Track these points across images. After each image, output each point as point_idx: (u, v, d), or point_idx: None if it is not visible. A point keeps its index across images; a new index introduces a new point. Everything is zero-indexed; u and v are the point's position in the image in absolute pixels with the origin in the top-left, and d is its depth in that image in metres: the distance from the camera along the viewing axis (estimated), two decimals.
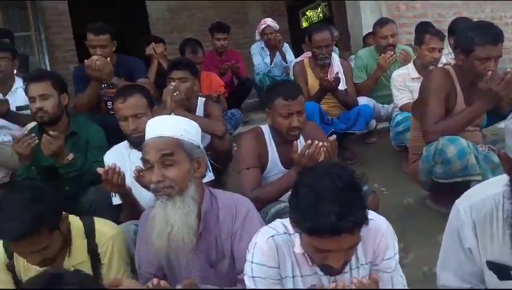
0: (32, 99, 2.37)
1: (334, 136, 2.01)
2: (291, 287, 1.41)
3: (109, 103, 3.18)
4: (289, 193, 2.03)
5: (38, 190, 1.53)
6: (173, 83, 2.73)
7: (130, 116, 2.18)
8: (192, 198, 1.56)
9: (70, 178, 2.27)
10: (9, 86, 3.08)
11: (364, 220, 1.19)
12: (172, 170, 1.53)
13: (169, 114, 2.38)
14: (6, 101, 2.87)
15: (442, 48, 3.26)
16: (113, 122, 2.79)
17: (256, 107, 4.64)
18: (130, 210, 2.08)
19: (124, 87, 2.38)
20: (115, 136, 2.59)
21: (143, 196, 2.07)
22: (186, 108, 2.72)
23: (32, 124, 2.67)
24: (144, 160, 1.56)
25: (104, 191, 2.13)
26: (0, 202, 1.51)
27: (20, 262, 1.68)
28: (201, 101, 2.98)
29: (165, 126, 1.58)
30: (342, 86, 3.30)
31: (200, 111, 2.91)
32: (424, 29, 3.43)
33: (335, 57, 3.47)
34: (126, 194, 2.00)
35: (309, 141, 1.92)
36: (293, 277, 1.42)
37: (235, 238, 1.62)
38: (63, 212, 1.62)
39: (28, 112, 2.96)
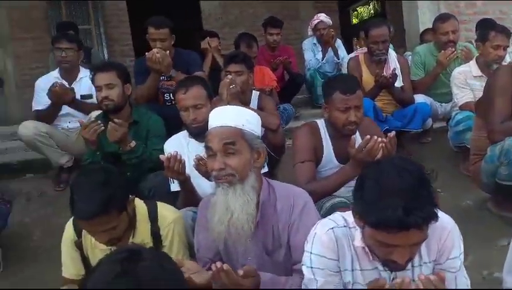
0: (98, 88, 2.50)
1: (393, 133, 1.98)
2: (350, 280, 1.41)
3: (166, 95, 3.30)
4: (343, 188, 2.08)
5: (109, 173, 1.62)
6: (229, 76, 2.78)
7: (191, 106, 2.24)
8: (252, 187, 1.60)
9: (132, 164, 2.38)
10: (75, 75, 3.26)
11: (433, 217, 1.17)
12: (233, 158, 1.57)
13: None
14: (72, 89, 3.04)
15: (508, 46, 3.11)
16: (170, 113, 2.90)
17: (306, 103, 4.63)
18: (187, 197, 2.15)
19: (185, 78, 2.46)
20: (171, 127, 2.69)
21: (200, 184, 2.14)
22: (241, 101, 2.76)
23: (96, 112, 2.82)
24: (206, 147, 1.61)
25: (162, 178, 2.23)
26: (74, 183, 1.61)
27: (87, 241, 1.79)
28: (255, 94, 3.02)
29: (228, 116, 1.62)
30: (398, 83, 3.23)
31: (254, 104, 2.95)
32: (488, 26, 3.28)
33: (392, 53, 3.40)
34: (185, 181, 2.07)
35: (368, 136, 1.90)
36: (352, 270, 1.42)
37: (292, 229, 1.64)
38: (130, 195, 1.71)
39: (91, 100, 3.14)
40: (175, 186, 2.20)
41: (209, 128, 1.65)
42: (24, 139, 2.99)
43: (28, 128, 2.97)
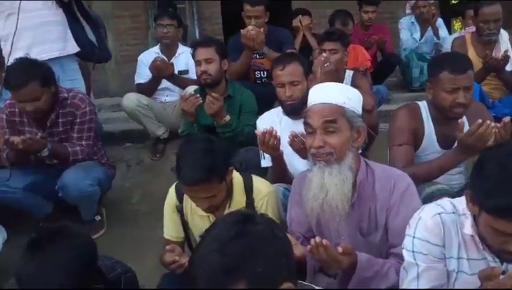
0: (198, 62, 2.59)
1: (508, 118, 1.81)
2: (454, 268, 1.34)
3: (257, 73, 3.35)
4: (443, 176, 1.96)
5: (212, 142, 1.68)
6: (324, 54, 2.72)
7: (287, 83, 2.24)
8: (349, 167, 1.56)
9: (225, 138, 2.46)
10: (174, 51, 3.41)
11: None
12: (333, 136, 1.54)
13: None
14: (172, 64, 3.19)
15: None
16: (261, 91, 2.93)
17: (398, 85, 4.41)
18: (278, 174, 2.17)
19: (283, 55, 2.46)
20: (262, 104, 2.73)
21: (293, 162, 2.14)
22: (334, 80, 2.69)
23: (192, 87, 2.94)
24: (306, 124, 1.60)
25: (253, 153, 2.27)
26: (181, 150, 1.70)
27: (187, 207, 1.89)
28: (349, 73, 2.93)
29: (330, 93, 1.59)
30: (509, 67, 2.94)
31: (347, 84, 2.87)
32: None
33: (503, 34, 3.09)
34: (278, 157, 2.09)
35: (479, 120, 1.75)
36: (458, 258, 1.34)
37: (391, 211, 1.59)
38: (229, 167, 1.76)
39: (188, 76, 3.29)
40: (265, 162, 2.23)
41: (308, 104, 1.63)
42: (127, 109, 3.21)
43: (131, 100, 3.18)
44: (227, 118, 2.45)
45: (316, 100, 1.61)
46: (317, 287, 1.15)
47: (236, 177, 1.85)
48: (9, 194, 2.33)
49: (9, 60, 2.33)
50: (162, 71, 3.11)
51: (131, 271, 1.65)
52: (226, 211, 1.81)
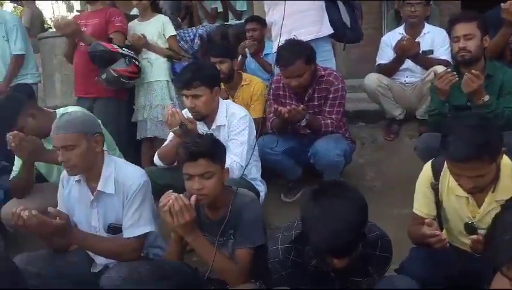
0: (456, 38, 2.47)
1: None
2: None
3: None
4: None
5: (485, 120, 1.62)
6: None
7: None
8: None
9: None
10: (419, 31, 3.33)
11: None
12: None
13: None
14: (418, 44, 3.12)
15: None
16: None
17: None
18: None
19: None
20: None
21: None
22: None
23: (439, 67, 2.84)
24: None
25: None
26: (450, 126, 1.68)
27: (444, 185, 1.86)
28: None
29: None
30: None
31: None
32: None
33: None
34: None
35: None
36: None
37: None
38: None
39: (433, 56, 3.18)
40: None
41: None
42: (368, 89, 3.32)
43: (372, 79, 3.28)
44: (486, 97, 2.28)
45: None
46: None
47: (505, 160, 1.72)
48: (272, 156, 2.74)
49: (280, 41, 2.70)
50: (407, 51, 3.09)
51: (387, 236, 1.74)
52: (490, 196, 1.72)
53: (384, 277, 1.67)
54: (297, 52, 2.59)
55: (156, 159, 2.56)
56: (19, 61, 3.64)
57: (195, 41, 4.09)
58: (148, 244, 2.08)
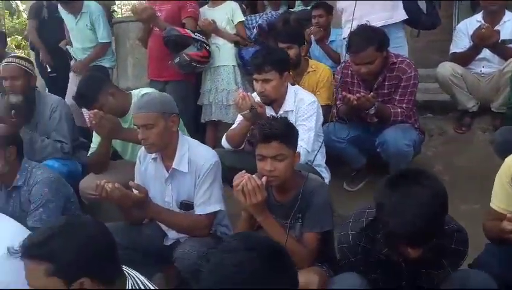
0: None
1: None
2: None
3: None
4: None
5: None
6: None
7: None
8: None
9: None
10: (499, 19, 3.14)
11: None
12: None
13: None
14: (498, 32, 2.94)
15: None
16: None
17: None
18: None
19: None
20: None
21: None
22: None
23: None
24: None
25: None
26: None
27: None
28: None
29: None
30: None
31: None
32: None
33: None
34: None
35: None
36: None
37: None
38: None
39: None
40: None
41: None
42: (440, 78, 3.19)
43: (446, 68, 3.14)
44: None
45: None
46: None
47: None
48: (337, 144, 2.73)
49: (352, 27, 2.64)
50: (485, 39, 2.93)
51: (464, 230, 1.68)
52: None
53: (459, 270, 1.63)
54: (370, 38, 2.54)
55: (223, 141, 2.63)
56: (104, 48, 3.90)
57: (254, 30, 4.10)
58: (216, 222, 2.16)
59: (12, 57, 3.00)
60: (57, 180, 2.31)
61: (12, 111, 2.64)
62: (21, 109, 2.68)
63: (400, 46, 2.93)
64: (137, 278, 1.37)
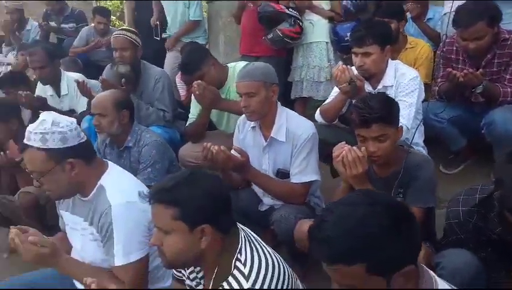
0: None
1: None
2: None
3: None
4: None
5: None
6: None
7: None
8: None
9: None
10: None
11: None
12: None
13: None
14: None
15: None
16: None
17: None
18: None
19: None
20: None
21: None
22: None
23: None
24: None
25: None
26: None
27: None
28: None
29: None
30: None
31: None
32: None
33: None
34: None
35: None
36: None
37: None
38: None
39: None
40: None
41: None
42: None
43: None
44: None
45: None
46: None
47: None
48: (437, 123, 2.61)
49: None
50: None
51: None
52: None
53: None
54: (480, 12, 2.38)
55: (317, 115, 2.63)
56: (194, 25, 4.05)
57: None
58: (310, 192, 2.19)
59: (121, 29, 3.24)
60: (163, 144, 2.49)
61: (122, 80, 2.86)
62: (129, 78, 2.90)
63: (509, 22, 2.70)
64: (249, 232, 1.45)
